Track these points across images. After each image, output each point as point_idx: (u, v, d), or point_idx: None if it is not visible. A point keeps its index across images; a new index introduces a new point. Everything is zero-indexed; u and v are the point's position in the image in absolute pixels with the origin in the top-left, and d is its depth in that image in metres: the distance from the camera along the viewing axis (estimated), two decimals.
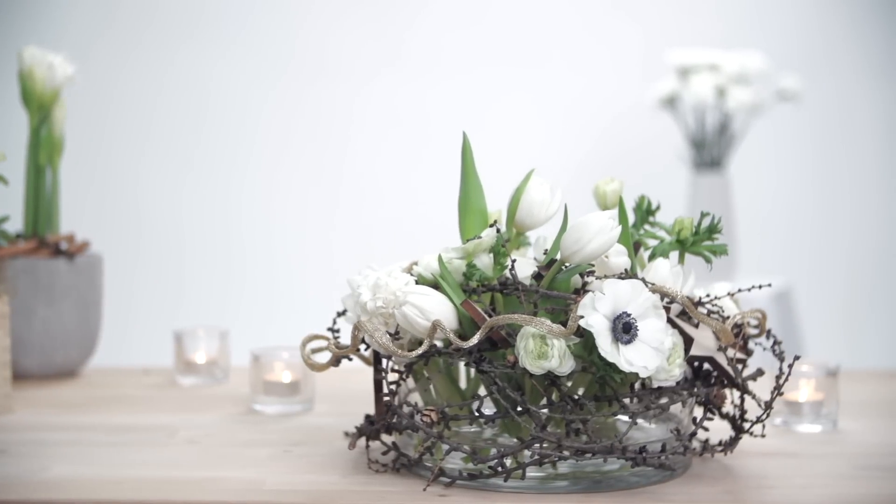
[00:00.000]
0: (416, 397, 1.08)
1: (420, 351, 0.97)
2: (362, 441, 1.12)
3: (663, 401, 0.99)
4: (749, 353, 1.09)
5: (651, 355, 0.94)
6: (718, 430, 1.15)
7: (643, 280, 0.97)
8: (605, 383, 0.97)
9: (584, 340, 0.95)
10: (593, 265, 1.00)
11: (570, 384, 1.00)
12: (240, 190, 3.36)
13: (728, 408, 1.16)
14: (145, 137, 3.35)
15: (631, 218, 1.14)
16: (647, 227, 1.14)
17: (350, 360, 1.06)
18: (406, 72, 3.33)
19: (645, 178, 3.28)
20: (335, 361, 1.05)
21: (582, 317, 0.92)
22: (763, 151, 3.28)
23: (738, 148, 3.06)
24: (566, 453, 0.96)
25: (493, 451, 0.99)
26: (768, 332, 1.07)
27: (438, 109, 3.31)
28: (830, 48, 3.32)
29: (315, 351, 1.12)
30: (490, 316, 0.98)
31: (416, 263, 1.06)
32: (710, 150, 2.96)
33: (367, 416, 1.07)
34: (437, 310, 0.97)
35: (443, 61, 3.34)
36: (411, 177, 3.31)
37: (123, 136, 3.35)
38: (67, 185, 3.12)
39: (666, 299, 0.99)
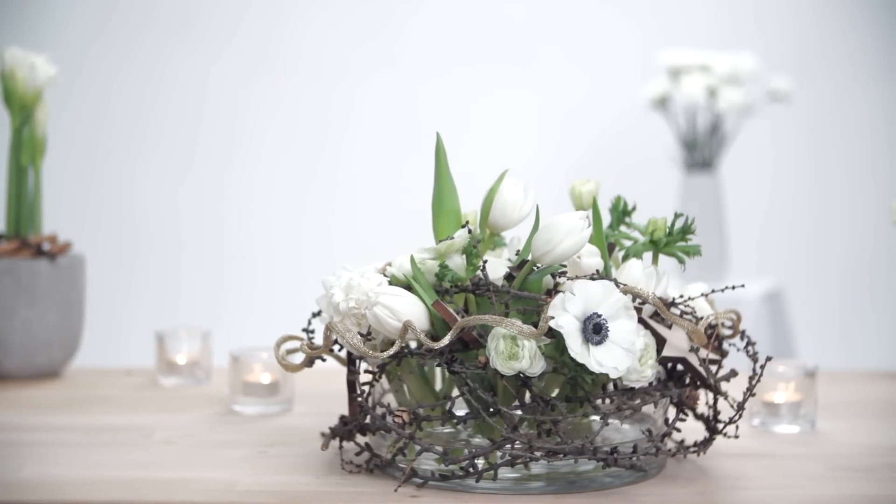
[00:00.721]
0: (392, 398, 1.08)
1: (391, 352, 0.97)
2: (339, 442, 1.12)
3: (635, 402, 0.99)
4: (724, 353, 1.08)
5: (622, 356, 0.94)
6: (694, 431, 1.15)
7: (615, 281, 0.97)
8: (576, 384, 0.97)
9: (556, 341, 0.95)
10: (565, 266, 1.00)
11: (542, 385, 1.00)
12: (226, 190, 3.36)
13: (702, 409, 1.16)
14: (136, 137, 3.35)
15: (608, 219, 1.14)
16: (623, 227, 1.14)
17: (324, 360, 1.06)
18: (400, 72, 3.33)
19: (636, 179, 3.28)
20: (308, 362, 1.05)
21: (552, 317, 0.92)
22: (754, 152, 3.28)
23: (729, 149, 3.06)
24: (538, 454, 0.96)
25: (466, 452, 0.99)
26: (742, 332, 1.07)
27: (433, 109, 3.32)
28: (822, 49, 3.32)
29: (290, 352, 1.12)
30: (462, 317, 0.97)
31: (390, 264, 1.06)
32: (701, 151, 2.96)
33: (342, 417, 1.07)
34: (409, 310, 0.97)
35: (437, 61, 3.34)
36: (406, 177, 3.32)
37: (115, 136, 3.35)
38: (55, 185, 3.12)
39: (638, 300, 0.99)
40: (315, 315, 1.10)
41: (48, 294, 1.51)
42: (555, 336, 0.94)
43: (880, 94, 3.32)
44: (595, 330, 0.93)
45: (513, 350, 0.94)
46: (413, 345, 1.00)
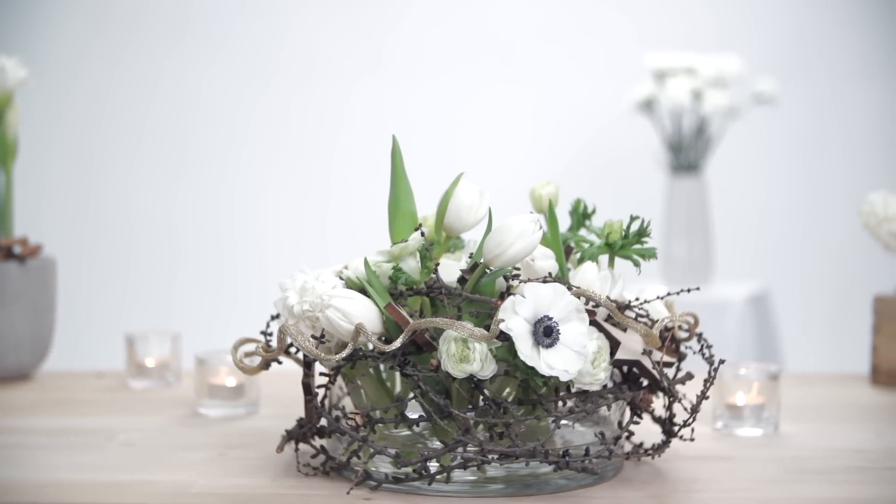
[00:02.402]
0: (351, 400, 1.08)
1: (343, 355, 0.97)
2: (295, 444, 1.12)
3: (588, 404, 0.99)
4: (681, 356, 1.08)
5: (572, 359, 0.93)
6: (654, 433, 1.15)
7: (567, 283, 0.97)
8: (528, 387, 0.97)
9: (509, 344, 0.95)
10: (518, 268, 1.00)
11: (494, 388, 1.00)
12: (215, 193, 3.36)
13: (661, 411, 1.16)
14: (128, 141, 3.35)
15: (569, 221, 1.14)
16: (583, 230, 1.14)
17: (280, 363, 1.06)
18: (391, 75, 3.34)
19: (625, 183, 3.28)
20: (265, 365, 1.05)
21: (502, 320, 0.92)
22: (740, 155, 3.27)
23: (714, 151, 3.06)
24: (490, 457, 0.96)
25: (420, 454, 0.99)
26: (699, 335, 1.07)
27: (424, 111, 3.32)
28: (807, 52, 3.32)
29: (248, 354, 1.12)
30: (416, 320, 0.97)
31: (346, 267, 1.06)
32: (687, 154, 2.96)
33: (299, 420, 1.07)
34: (361, 313, 0.97)
35: (427, 64, 3.34)
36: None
37: (108, 139, 3.35)
38: (32, 187, 3.10)
39: (591, 303, 0.99)
40: (274, 318, 1.10)
41: (18, 297, 1.51)
42: (507, 339, 0.94)
43: (867, 96, 3.32)
44: (545, 333, 0.93)
45: (464, 353, 0.94)
46: (371, 346, 1.00)
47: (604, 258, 1.08)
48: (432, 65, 3.34)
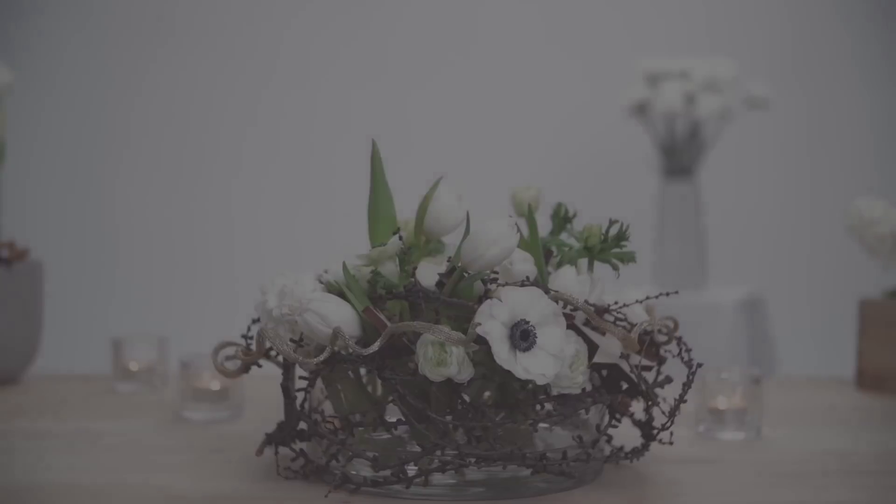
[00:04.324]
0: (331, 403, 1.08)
1: (321, 358, 0.97)
2: (275, 447, 1.12)
3: (567, 408, 0.99)
4: (661, 360, 1.08)
5: (550, 363, 0.94)
6: (635, 437, 1.15)
7: (544, 287, 0.97)
8: (505, 390, 0.97)
9: (488, 348, 0.95)
10: (496, 272, 1.00)
11: (472, 392, 1.00)
12: (212, 197, 3.37)
13: (641, 415, 1.16)
14: (120, 144, 3.36)
15: (549, 225, 1.14)
16: (564, 234, 1.14)
17: (259, 366, 1.06)
18: (385, 79, 3.34)
19: (615, 185, 3.28)
20: (245, 368, 1.05)
21: (479, 324, 0.92)
22: (733, 159, 3.27)
23: (707, 155, 3.06)
24: (468, 460, 0.96)
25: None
26: (679, 339, 1.07)
27: (418, 115, 3.32)
28: (800, 56, 3.32)
29: (230, 358, 1.12)
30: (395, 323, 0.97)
31: (327, 271, 1.06)
32: (679, 158, 2.96)
33: (279, 423, 1.07)
34: (339, 317, 0.97)
35: (420, 68, 3.35)
36: (399, 182, 3.32)
37: (101, 141, 3.35)
38: (22, 191, 3.09)
39: (569, 307, 0.99)
40: (255, 321, 1.11)
41: (5, 301, 1.51)
42: (485, 343, 0.94)
43: (860, 101, 3.32)
44: (522, 336, 0.93)
45: (441, 356, 0.94)
46: (352, 349, 1.00)
47: (584, 262, 1.08)
48: (426, 68, 3.35)
